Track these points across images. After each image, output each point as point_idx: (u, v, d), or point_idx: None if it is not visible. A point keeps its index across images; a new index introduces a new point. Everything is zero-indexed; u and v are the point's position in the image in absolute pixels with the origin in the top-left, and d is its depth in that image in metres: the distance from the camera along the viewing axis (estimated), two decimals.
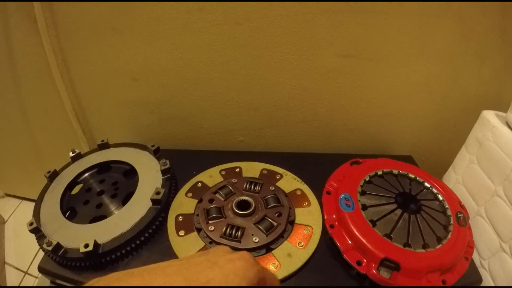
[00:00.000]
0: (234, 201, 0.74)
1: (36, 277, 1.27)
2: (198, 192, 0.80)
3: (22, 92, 1.10)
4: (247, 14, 0.81)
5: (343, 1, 0.77)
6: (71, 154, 0.90)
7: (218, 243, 0.67)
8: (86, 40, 0.91)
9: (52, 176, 0.85)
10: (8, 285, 1.28)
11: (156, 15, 0.83)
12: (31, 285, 1.26)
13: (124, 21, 0.86)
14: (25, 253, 1.35)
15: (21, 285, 1.27)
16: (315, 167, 0.85)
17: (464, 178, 0.84)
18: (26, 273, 1.29)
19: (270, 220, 0.70)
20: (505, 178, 0.70)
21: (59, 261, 0.68)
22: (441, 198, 0.75)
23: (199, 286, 0.34)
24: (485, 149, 0.77)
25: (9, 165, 1.46)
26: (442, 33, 0.82)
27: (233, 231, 0.68)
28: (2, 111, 1.20)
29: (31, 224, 0.70)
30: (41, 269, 0.71)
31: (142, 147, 0.92)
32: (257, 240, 0.66)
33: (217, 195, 0.77)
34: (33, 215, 0.76)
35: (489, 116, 0.79)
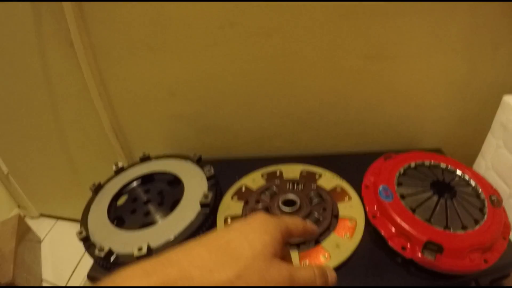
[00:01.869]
0: (280, 200, 0.77)
1: None
2: (243, 195, 0.83)
3: (60, 113, 1.14)
4: (275, 25, 0.85)
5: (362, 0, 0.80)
6: (114, 168, 0.93)
7: None
8: (122, 58, 0.95)
9: (97, 189, 0.88)
10: None
11: (189, 32, 0.88)
12: None
13: (158, 39, 0.90)
14: (63, 270, 1.38)
15: None
16: (351, 165, 0.88)
17: (494, 163, 0.86)
18: None
19: (316, 215, 0.74)
20: None
21: (110, 268, 0.69)
22: (473, 184, 0.78)
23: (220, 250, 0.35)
24: (510, 132, 0.80)
25: (45, 185, 1.49)
26: (455, 25, 0.85)
27: None
28: (40, 133, 1.24)
29: (80, 233, 0.73)
30: (90, 277, 0.73)
31: (184, 157, 0.94)
32: None
33: (262, 196, 0.81)
34: (81, 225, 0.78)
35: (510, 100, 0.82)
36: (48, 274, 1.39)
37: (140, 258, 0.66)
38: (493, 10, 0.83)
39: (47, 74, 1.05)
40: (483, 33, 0.87)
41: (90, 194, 0.88)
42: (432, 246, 0.65)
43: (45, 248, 1.53)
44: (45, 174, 1.43)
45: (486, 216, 0.70)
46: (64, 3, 0.86)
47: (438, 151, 0.97)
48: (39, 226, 1.62)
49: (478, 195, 0.76)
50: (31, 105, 1.17)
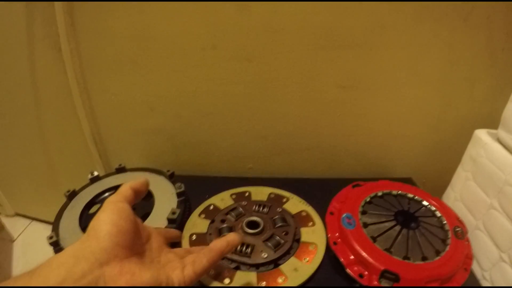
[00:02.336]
0: (244, 221, 0.78)
1: None
2: (210, 213, 0.84)
3: (43, 115, 1.15)
4: (256, 52, 0.88)
5: None
6: (89, 176, 0.94)
7: (229, 259, 0.71)
8: (108, 70, 0.97)
9: (71, 195, 0.89)
10: None
11: (173, 51, 0.90)
12: None
13: (143, 55, 0.92)
14: None
15: None
16: (319, 191, 0.89)
17: (462, 195, 0.87)
18: None
19: (277, 238, 0.75)
20: (499, 191, 0.74)
21: None
22: (439, 215, 0.79)
23: None
24: (479, 165, 0.81)
25: (22, 185, 1.49)
26: (432, 61, 0.88)
27: (244, 248, 0.72)
28: (21, 133, 1.24)
29: (51, 237, 0.73)
30: None
31: (158, 172, 0.96)
32: (265, 256, 0.70)
33: (228, 216, 0.82)
34: (53, 230, 0.78)
35: (481, 134, 0.83)
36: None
37: None
38: (470, 47, 0.86)
39: (33, 76, 1.06)
40: (460, 69, 0.89)
41: (64, 199, 0.88)
42: (389, 275, 0.65)
43: (17, 248, 1.51)
44: (23, 174, 1.43)
45: (448, 248, 0.71)
46: (56, 8, 0.88)
47: (408, 180, 0.99)
48: (14, 225, 1.60)
49: (442, 226, 0.76)
50: (14, 104, 1.18)
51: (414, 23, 0.82)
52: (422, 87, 0.92)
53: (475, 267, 0.77)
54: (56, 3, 0.87)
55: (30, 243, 1.54)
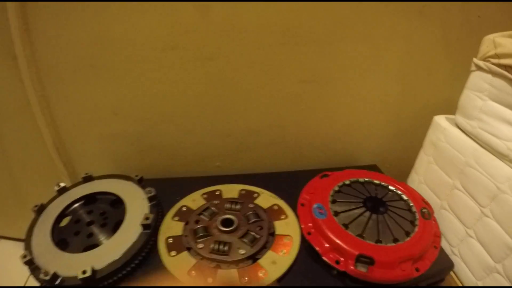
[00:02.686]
0: (218, 220, 0.78)
1: None
2: (183, 215, 0.84)
3: (1, 128, 1.10)
4: (216, 50, 0.88)
5: None
6: (56, 188, 0.91)
7: (208, 259, 0.71)
8: (66, 76, 0.94)
9: (40, 209, 0.86)
10: None
11: (132, 53, 0.89)
12: None
13: (101, 59, 0.90)
14: None
15: None
16: (289, 184, 0.91)
17: (426, 178, 0.91)
18: None
19: (253, 233, 0.75)
20: (460, 172, 0.78)
21: None
22: (405, 198, 0.82)
23: None
24: (440, 149, 0.85)
25: None
26: (391, 52, 0.91)
27: (221, 246, 0.72)
28: None
29: (24, 256, 0.71)
30: None
31: (126, 177, 0.94)
32: (243, 252, 0.71)
33: (202, 216, 0.81)
34: (25, 248, 0.76)
35: (440, 120, 0.87)
36: None
37: (84, 280, 0.66)
38: (426, 38, 0.90)
39: None
40: (417, 58, 0.93)
41: (33, 214, 0.85)
42: (364, 259, 0.67)
43: None
44: None
45: (416, 228, 0.74)
46: (9, 12, 0.84)
47: (374, 167, 1.01)
48: None
49: (409, 209, 0.80)
50: None
51: (371, 17, 0.85)
52: (382, 78, 0.95)
53: (444, 244, 0.81)
54: (8, 6, 0.83)
55: (1, 264, 1.45)
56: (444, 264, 0.75)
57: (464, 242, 0.78)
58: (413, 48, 0.91)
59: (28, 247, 0.77)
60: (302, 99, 0.97)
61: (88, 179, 0.95)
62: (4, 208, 1.39)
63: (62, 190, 0.92)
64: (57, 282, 0.68)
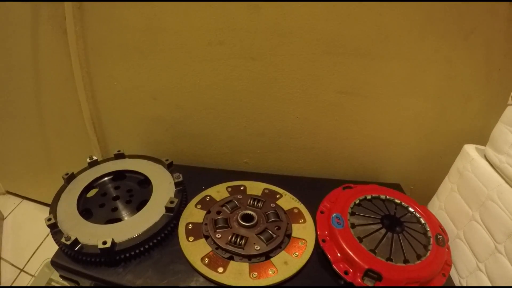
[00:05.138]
0: (239, 214, 0.82)
1: (32, 275, 1.26)
2: (206, 204, 0.87)
3: (43, 97, 1.15)
4: (260, 51, 0.90)
5: None
6: (88, 160, 0.95)
7: (224, 249, 0.74)
8: (113, 56, 0.98)
9: (70, 178, 0.90)
10: (2, 279, 1.28)
11: (180, 43, 0.92)
12: (26, 283, 1.26)
13: (149, 45, 0.94)
14: (23, 251, 1.34)
15: (16, 281, 1.27)
16: (312, 190, 0.93)
17: (446, 205, 0.91)
18: (22, 270, 1.29)
19: (270, 232, 0.78)
20: (481, 205, 0.78)
21: (74, 256, 0.73)
22: (423, 221, 0.83)
23: None
24: (465, 179, 0.85)
25: (15, 164, 1.49)
26: (431, 75, 0.91)
27: (238, 240, 0.75)
28: (19, 111, 1.25)
29: (49, 219, 0.75)
30: (54, 263, 0.75)
31: (157, 160, 0.97)
32: (258, 248, 0.74)
33: (224, 208, 0.85)
34: (50, 212, 0.80)
35: (469, 149, 0.87)
36: (6, 253, 1.36)
37: (103, 250, 0.69)
38: (468, 64, 0.89)
39: (35, 56, 1.06)
40: (456, 85, 0.92)
41: (60, 180, 0.90)
42: (372, 274, 0.69)
43: (7, 226, 1.50)
44: (17, 153, 1.43)
45: (428, 253, 0.75)
46: None
47: (396, 186, 1.02)
48: (4, 203, 1.60)
49: (425, 233, 0.80)
50: (14, 83, 1.18)
51: (417, 37, 0.85)
52: (419, 99, 0.95)
53: (453, 274, 0.82)
54: None
55: (21, 222, 1.53)
56: None
57: (474, 275, 0.78)
58: (454, 73, 0.91)
59: (53, 211, 0.81)
60: (337, 109, 0.98)
61: (119, 156, 0.99)
62: (33, 171, 1.44)
63: (94, 163, 0.96)
64: (77, 248, 0.71)
